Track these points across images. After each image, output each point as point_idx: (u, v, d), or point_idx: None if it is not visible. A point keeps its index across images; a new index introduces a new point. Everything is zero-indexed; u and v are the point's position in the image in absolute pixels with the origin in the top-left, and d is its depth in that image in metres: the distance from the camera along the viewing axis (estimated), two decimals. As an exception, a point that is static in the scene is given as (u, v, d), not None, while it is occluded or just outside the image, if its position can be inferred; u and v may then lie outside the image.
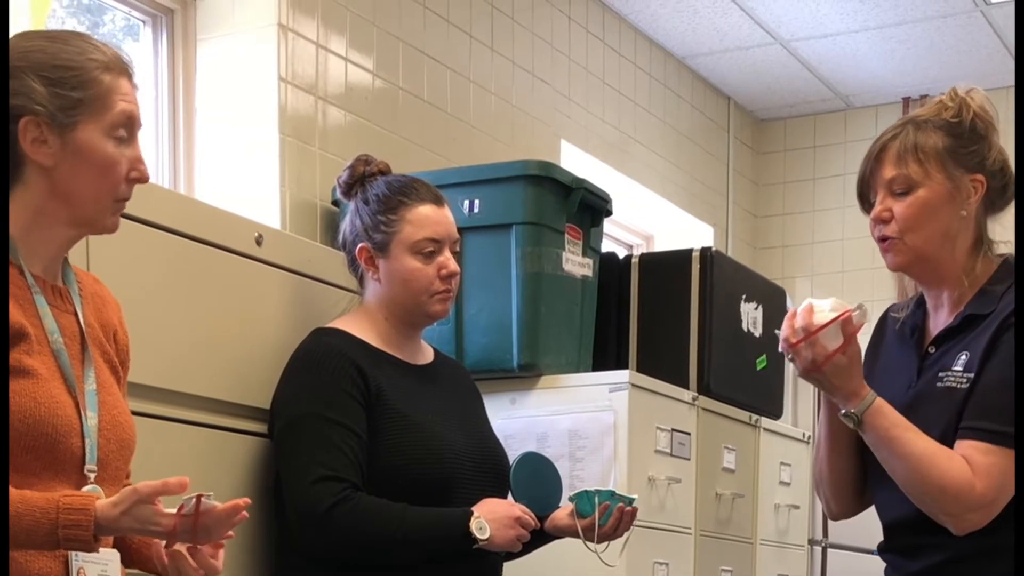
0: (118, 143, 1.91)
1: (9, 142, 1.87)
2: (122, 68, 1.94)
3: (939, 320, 2.34)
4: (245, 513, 1.84)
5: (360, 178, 2.84)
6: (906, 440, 2.21)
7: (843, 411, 2.26)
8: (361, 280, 2.85)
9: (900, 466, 2.22)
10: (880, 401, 2.23)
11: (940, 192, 2.27)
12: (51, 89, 1.87)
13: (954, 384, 2.23)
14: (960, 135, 2.28)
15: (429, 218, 2.78)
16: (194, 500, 1.79)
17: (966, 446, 2.19)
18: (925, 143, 2.27)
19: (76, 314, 1.96)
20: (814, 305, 2.23)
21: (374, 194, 2.80)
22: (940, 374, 2.26)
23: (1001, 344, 2.21)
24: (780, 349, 2.26)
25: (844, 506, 2.46)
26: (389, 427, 2.68)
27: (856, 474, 2.41)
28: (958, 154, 2.28)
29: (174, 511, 1.80)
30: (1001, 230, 2.37)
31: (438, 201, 2.82)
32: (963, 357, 2.25)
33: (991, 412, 2.19)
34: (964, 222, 2.29)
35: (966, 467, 2.18)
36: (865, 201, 2.34)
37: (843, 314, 2.20)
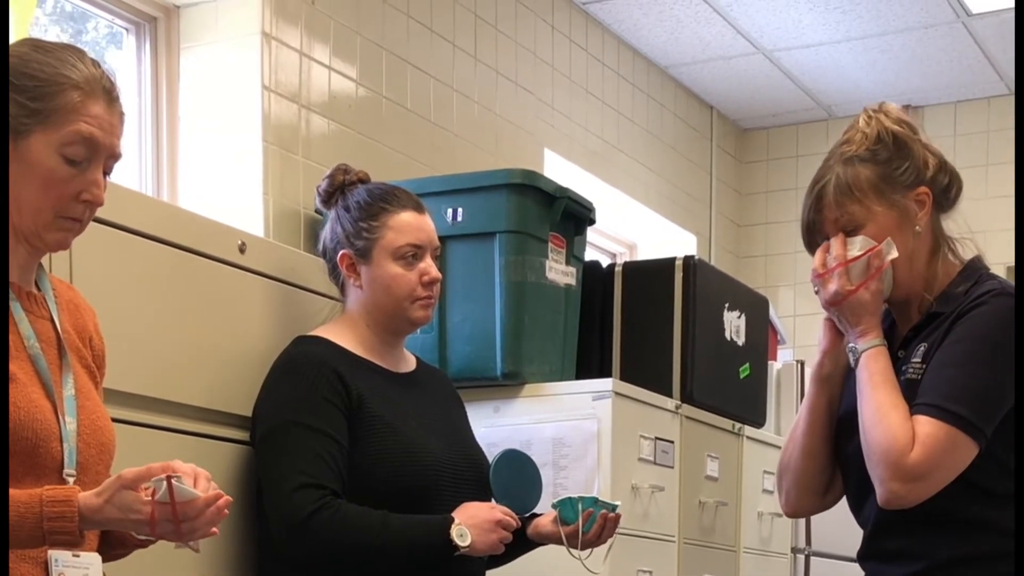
0: (69, 163, 1.87)
1: (8, 145, 1.86)
2: (100, 92, 1.90)
3: (906, 328, 2.35)
4: (226, 511, 1.83)
5: (340, 187, 2.85)
6: (879, 390, 2.22)
7: (849, 344, 2.30)
8: (342, 288, 2.85)
9: (863, 413, 2.23)
10: (882, 350, 2.26)
11: (887, 223, 2.27)
12: (12, 95, 1.86)
13: (913, 375, 2.24)
14: (888, 160, 2.28)
15: (411, 224, 2.79)
16: (164, 482, 1.77)
17: (913, 420, 2.19)
18: (857, 180, 2.27)
19: (52, 320, 1.95)
20: (846, 240, 2.28)
21: (355, 201, 2.81)
22: (903, 367, 2.27)
23: (953, 329, 2.22)
24: (811, 279, 2.32)
25: (802, 497, 2.44)
26: (370, 435, 2.68)
27: (822, 464, 2.40)
28: (892, 178, 2.28)
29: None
30: (967, 232, 2.38)
31: (419, 208, 2.82)
32: (921, 348, 2.26)
33: (934, 387, 2.19)
34: (920, 235, 2.30)
35: (911, 435, 2.17)
36: (813, 249, 2.35)
37: (872, 249, 2.26)
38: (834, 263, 2.27)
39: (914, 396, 2.22)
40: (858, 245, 2.27)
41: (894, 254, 2.26)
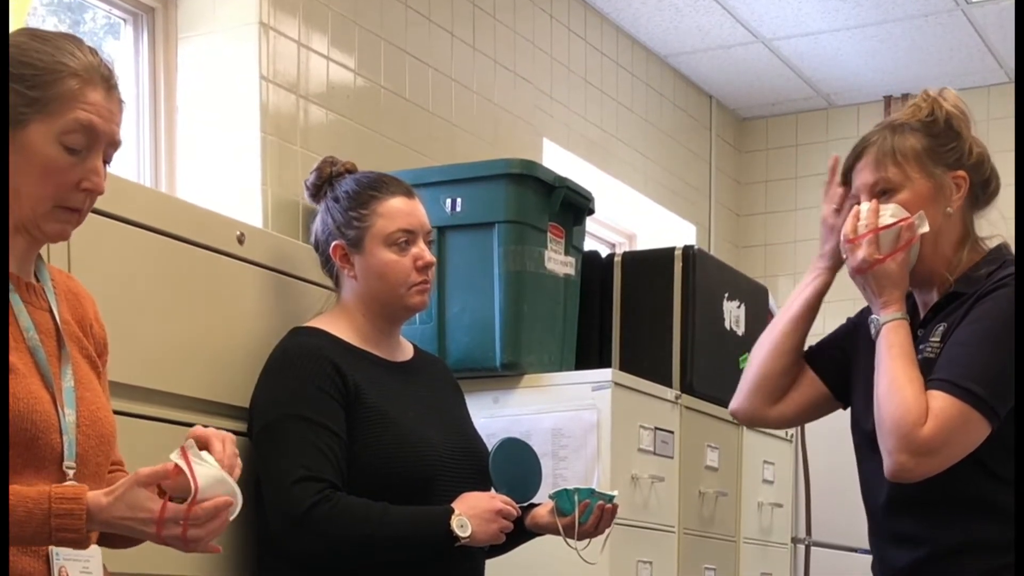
0: (69, 151, 1.86)
1: (8, 142, 1.85)
2: (98, 79, 1.89)
3: (927, 309, 2.36)
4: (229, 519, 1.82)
5: (328, 179, 2.85)
6: (896, 362, 2.23)
7: (871, 316, 2.32)
8: (336, 280, 2.84)
9: (879, 384, 2.25)
10: (903, 323, 2.28)
11: (922, 192, 2.29)
12: (12, 85, 1.85)
13: (931, 355, 2.26)
14: (937, 134, 2.32)
15: (401, 210, 2.78)
16: (179, 451, 1.76)
17: (927, 395, 2.20)
18: (902, 145, 2.30)
19: (51, 311, 1.95)
20: (878, 207, 2.29)
21: (344, 191, 2.80)
22: (921, 346, 2.28)
23: (972, 310, 2.23)
24: (841, 246, 2.34)
25: (753, 397, 2.52)
26: (368, 426, 2.67)
27: (785, 367, 2.48)
28: (937, 153, 2.31)
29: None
30: (1000, 222, 2.39)
31: (409, 193, 2.81)
32: (941, 328, 2.28)
33: (950, 364, 2.20)
34: (950, 219, 2.31)
35: (924, 408, 2.17)
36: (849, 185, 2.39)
37: (903, 220, 2.27)
38: (865, 230, 2.28)
39: (929, 374, 2.22)
40: (890, 212, 2.28)
41: (925, 228, 2.27)
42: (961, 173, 2.31)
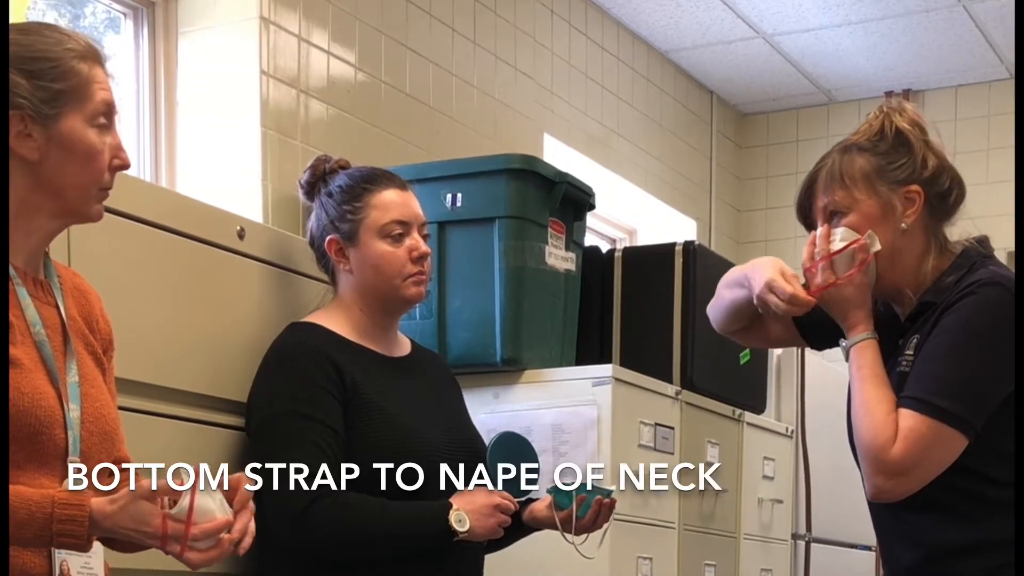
0: (100, 131, 1.90)
1: (8, 141, 1.85)
2: (97, 56, 1.92)
3: (904, 317, 2.35)
4: (240, 542, 1.82)
5: (321, 176, 2.84)
6: (865, 385, 2.24)
7: (840, 341, 2.33)
8: (333, 276, 2.84)
9: (852, 407, 2.26)
10: (871, 343, 2.28)
11: (869, 213, 2.28)
12: (33, 82, 1.85)
13: (905, 368, 2.25)
14: (885, 152, 2.29)
15: (394, 201, 2.78)
16: (188, 498, 1.76)
17: (898, 414, 2.20)
18: (849, 168, 2.29)
19: (57, 307, 1.95)
20: (829, 232, 2.29)
21: (337, 186, 2.80)
22: (898, 359, 2.28)
23: (939, 322, 2.22)
24: (802, 274, 2.35)
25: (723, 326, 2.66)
26: (365, 421, 2.66)
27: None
28: (885, 171, 2.28)
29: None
30: (969, 226, 2.38)
31: (402, 186, 2.81)
32: (914, 340, 2.27)
33: (918, 381, 2.20)
34: (907, 234, 2.29)
35: (894, 429, 2.18)
36: (809, 227, 2.38)
37: (854, 242, 2.26)
38: (819, 257, 2.29)
39: (903, 388, 2.22)
40: (839, 236, 2.28)
41: (877, 246, 2.27)
42: (914, 187, 2.28)
